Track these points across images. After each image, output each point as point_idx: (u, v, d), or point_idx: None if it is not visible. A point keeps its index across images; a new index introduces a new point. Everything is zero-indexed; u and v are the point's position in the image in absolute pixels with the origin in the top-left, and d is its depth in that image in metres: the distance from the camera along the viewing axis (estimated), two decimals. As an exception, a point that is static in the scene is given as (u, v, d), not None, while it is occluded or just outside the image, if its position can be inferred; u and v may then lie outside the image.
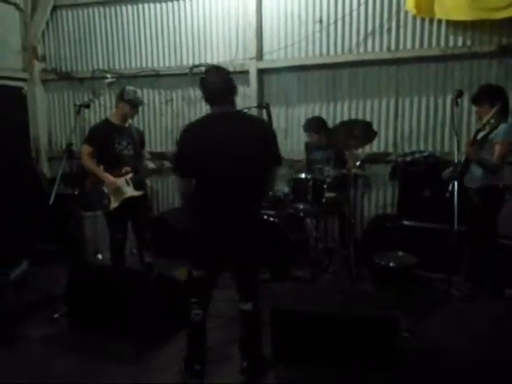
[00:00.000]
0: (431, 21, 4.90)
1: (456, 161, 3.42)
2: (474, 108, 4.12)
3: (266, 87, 5.64)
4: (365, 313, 2.91)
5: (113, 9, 6.09)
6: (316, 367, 2.88)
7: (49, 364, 3.07)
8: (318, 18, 5.32)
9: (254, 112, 5.32)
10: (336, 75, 5.36)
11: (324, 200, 4.25)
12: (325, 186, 4.27)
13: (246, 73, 5.56)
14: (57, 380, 2.90)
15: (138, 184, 3.99)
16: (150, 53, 6.03)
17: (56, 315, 3.61)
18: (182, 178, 2.79)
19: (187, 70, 5.79)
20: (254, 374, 2.81)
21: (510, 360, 2.69)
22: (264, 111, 4.46)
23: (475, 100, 3.81)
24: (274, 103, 5.43)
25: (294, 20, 5.41)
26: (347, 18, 5.20)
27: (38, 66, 6.42)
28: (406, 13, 4.95)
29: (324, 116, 5.24)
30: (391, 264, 3.88)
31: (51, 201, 3.64)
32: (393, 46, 5.09)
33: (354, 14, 5.16)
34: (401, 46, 5.06)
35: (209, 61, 5.73)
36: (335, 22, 5.25)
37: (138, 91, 4.12)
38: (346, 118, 5.37)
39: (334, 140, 4.40)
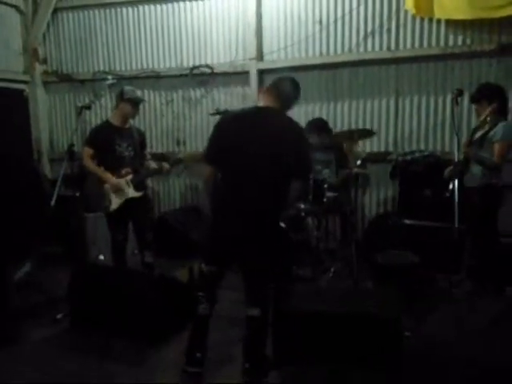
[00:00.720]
0: (431, 20, 4.92)
1: (456, 160, 3.43)
2: (474, 107, 4.13)
3: (267, 87, 5.64)
4: (366, 312, 2.91)
5: (113, 11, 6.12)
6: (318, 367, 2.88)
7: (51, 365, 3.08)
8: (317, 18, 5.33)
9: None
10: (336, 75, 5.37)
11: (325, 199, 4.26)
12: (325, 186, 4.28)
13: (246, 73, 5.58)
14: (59, 380, 2.90)
15: (138, 185, 4.01)
16: (151, 54, 6.05)
17: (59, 316, 3.62)
18: (207, 163, 2.79)
19: (187, 71, 5.81)
20: (256, 375, 2.82)
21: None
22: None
23: (474, 99, 3.82)
24: (275, 103, 5.44)
25: (294, 20, 5.42)
26: (347, 18, 5.22)
27: (39, 68, 6.44)
28: (406, 12, 4.96)
29: (324, 116, 5.25)
30: (392, 263, 3.89)
31: (53, 202, 3.66)
32: (393, 46, 5.10)
33: (354, 13, 5.18)
34: (401, 46, 5.08)
35: (209, 62, 5.75)
36: (335, 21, 5.26)
37: (138, 91, 4.14)
38: (346, 117, 5.39)
39: (335, 140, 4.43)
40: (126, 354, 3.17)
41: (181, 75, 5.89)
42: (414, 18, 4.96)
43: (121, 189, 3.91)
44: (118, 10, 6.08)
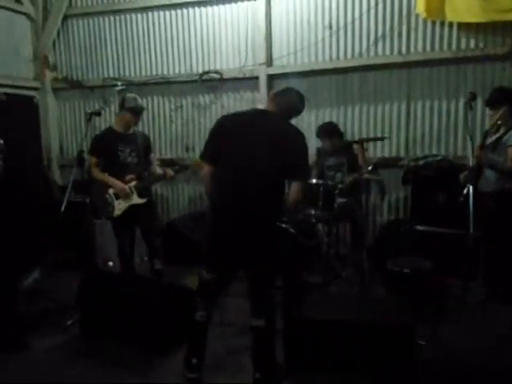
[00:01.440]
0: (442, 23, 4.86)
1: (471, 164, 3.37)
2: (487, 111, 4.07)
3: (276, 93, 5.61)
4: (379, 320, 2.85)
5: (123, 17, 6.14)
6: (329, 375, 2.83)
7: (59, 372, 3.06)
8: (327, 23, 5.30)
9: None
10: (346, 80, 5.33)
11: (336, 205, 4.21)
12: (336, 192, 4.23)
13: (255, 79, 5.56)
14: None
15: (142, 191, 3.99)
16: (160, 60, 6.05)
17: (68, 323, 3.60)
18: (206, 162, 2.80)
19: (197, 77, 5.80)
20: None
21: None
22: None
23: (489, 103, 3.76)
24: (284, 108, 5.41)
25: (304, 25, 5.39)
26: (357, 23, 5.18)
27: (49, 74, 6.47)
28: (417, 16, 4.91)
29: (334, 121, 5.20)
30: (405, 269, 3.81)
31: (63, 208, 3.65)
32: (404, 50, 5.05)
33: (364, 18, 5.14)
34: (412, 50, 5.02)
35: (218, 67, 5.74)
36: (345, 26, 5.23)
37: (138, 97, 4.12)
38: (356, 122, 5.35)
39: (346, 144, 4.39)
40: (135, 361, 3.14)
41: (190, 81, 5.88)
42: (425, 21, 4.91)
43: (127, 194, 3.89)
44: (128, 16, 6.10)
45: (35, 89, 6.40)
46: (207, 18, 5.76)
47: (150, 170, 4.17)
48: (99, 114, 4.21)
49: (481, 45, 4.78)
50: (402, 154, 5.20)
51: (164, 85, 6.02)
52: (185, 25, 5.88)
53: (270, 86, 5.55)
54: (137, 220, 4.03)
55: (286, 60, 5.51)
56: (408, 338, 2.77)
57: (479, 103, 4.41)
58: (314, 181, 4.33)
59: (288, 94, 2.83)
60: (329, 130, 4.79)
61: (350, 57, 5.26)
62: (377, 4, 5.07)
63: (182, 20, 5.87)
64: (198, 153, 5.98)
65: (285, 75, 5.50)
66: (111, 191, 3.93)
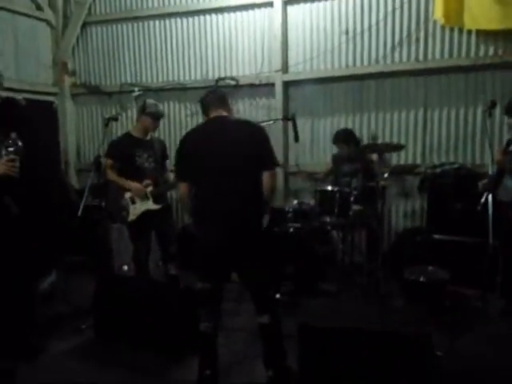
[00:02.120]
0: (460, 30, 4.82)
1: (490, 172, 3.32)
2: (506, 119, 4.01)
3: (292, 99, 5.62)
4: (395, 329, 2.81)
5: (140, 24, 6.21)
6: (344, 385, 2.79)
7: (74, 376, 3.07)
8: (343, 29, 5.29)
9: (280, 124, 5.32)
10: (363, 87, 5.30)
11: (351, 213, 4.18)
12: (351, 199, 4.20)
13: (271, 85, 5.57)
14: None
15: (157, 197, 4.00)
16: (177, 66, 6.10)
17: (83, 326, 3.62)
18: (180, 180, 2.92)
19: (213, 83, 5.83)
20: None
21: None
22: (290, 123, 4.44)
23: (509, 111, 3.70)
24: (300, 115, 5.39)
25: (320, 32, 5.39)
26: (373, 29, 5.16)
27: (68, 80, 6.57)
28: (435, 22, 4.88)
29: (350, 127, 5.18)
30: (422, 279, 3.77)
31: (80, 212, 3.69)
32: (421, 57, 5.01)
33: (381, 24, 5.12)
34: (429, 56, 4.99)
35: (234, 74, 5.77)
36: (361, 32, 5.21)
37: (160, 104, 4.16)
38: (372, 129, 5.31)
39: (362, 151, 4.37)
40: (150, 366, 3.15)
41: (206, 87, 5.89)
42: (443, 28, 4.87)
43: (143, 193, 3.91)
44: (146, 23, 6.17)
45: (54, 94, 6.50)
46: (223, 24, 5.80)
47: (165, 176, 4.19)
48: (116, 120, 4.28)
49: (500, 52, 4.72)
50: (419, 161, 5.15)
51: (180, 91, 6.07)
52: (201, 31, 5.92)
53: (285, 93, 5.56)
54: (153, 225, 4.04)
55: (301, 67, 5.51)
56: (425, 348, 2.73)
57: (497, 111, 4.35)
58: (330, 187, 4.32)
59: (217, 92, 3.03)
60: (345, 137, 4.77)
61: (367, 63, 5.24)
62: (394, 10, 5.05)
63: (199, 26, 5.92)
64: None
65: (300, 82, 5.51)
66: (127, 195, 3.95)
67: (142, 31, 6.23)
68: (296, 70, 5.53)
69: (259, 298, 2.81)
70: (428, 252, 4.33)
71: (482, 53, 4.79)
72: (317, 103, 5.50)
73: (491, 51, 4.75)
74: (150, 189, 3.96)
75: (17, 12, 5.91)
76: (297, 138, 4.19)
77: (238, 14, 5.70)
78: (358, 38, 5.24)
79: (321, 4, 5.34)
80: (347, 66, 5.33)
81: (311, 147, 5.60)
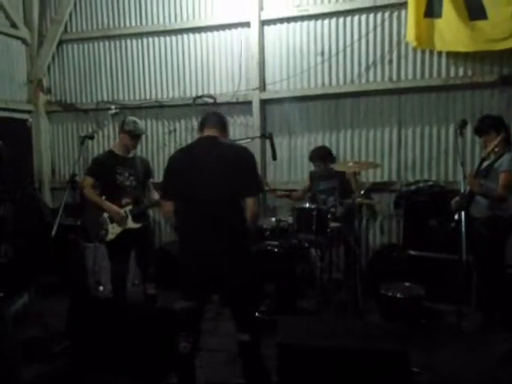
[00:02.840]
0: (432, 52, 4.97)
1: (462, 190, 3.40)
2: (477, 138, 4.13)
3: (269, 117, 5.68)
4: (373, 347, 2.82)
5: (117, 42, 6.21)
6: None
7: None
8: (319, 50, 5.40)
9: (257, 142, 5.35)
10: (338, 105, 5.40)
11: (329, 230, 4.21)
12: (329, 216, 4.24)
13: (249, 103, 5.62)
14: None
15: (137, 216, 3.96)
16: (154, 84, 6.10)
17: (57, 349, 3.52)
18: (166, 199, 2.93)
19: (190, 101, 5.85)
20: None
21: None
22: (267, 141, 4.49)
23: (480, 130, 3.81)
24: (277, 133, 5.47)
25: (296, 52, 5.49)
26: (348, 50, 5.28)
27: (42, 98, 6.49)
28: (407, 44, 5.03)
29: (327, 145, 5.25)
30: (398, 295, 3.81)
31: (54, 232, 3.61)
32: (394, 77, 5.14)
33: (356, 45, 5.25)
34: (402, 77, 5.12)
35: (212, 92, 5.80)
36: (337, 53, 5.33)
37: (139, 122, 4.11)
38: (348, 147, 5.40)
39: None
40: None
41: (183, 105, 5.93)
42: (415, 49, 5.02)
43: (121, 218, 3.86)
44: (123, 41, 6.17)
45: (29, 112, 6.41)
46: (201, 43, 5.84)
47: (147, 194, 4.15)
48: (92, 138, 4.23)
49: (469, 73, 4.89)
50: (394, 178, 5.25)
51: (157, 108, 6.06)
52: (179, 50, 5.95)
53: (263, 111, 5.61)
54: (132, 245, 3.99)
55: (278, 85, 5.58)
56: (402, 364, 2.74)
57: (469, 129, 4.48)
58: (307, 205, 4.34)
59: (215, 116, 3.01)
60: (321, 155, 4.82)
61: (342, 83, 5.35)
62: (368, 33, 5.18)
63: (177, 45, 5.95)
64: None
65: (278, 100, 5.57)
66: (106, 215, 3.90)
67: (118, 49, 6.22)
68: (273, 88, 5.60)
69: (241, 316, 2.81)
70: (404, 268, 4.39)
71: (452, 73, 4.95)
72: (294, 121, 5.56)
73: (461, 72, 4.91)
74: (129, 207, 3.91)
75: (-9, 30, 5.86)
76: (274, 156, 4.23)
77: (216, 33, 5.76)
78: (334, 58, 5.35)
79: (297, 25, 5.44)
80: (323, 85, 5.42)
81: (289, 165, 5.65)
